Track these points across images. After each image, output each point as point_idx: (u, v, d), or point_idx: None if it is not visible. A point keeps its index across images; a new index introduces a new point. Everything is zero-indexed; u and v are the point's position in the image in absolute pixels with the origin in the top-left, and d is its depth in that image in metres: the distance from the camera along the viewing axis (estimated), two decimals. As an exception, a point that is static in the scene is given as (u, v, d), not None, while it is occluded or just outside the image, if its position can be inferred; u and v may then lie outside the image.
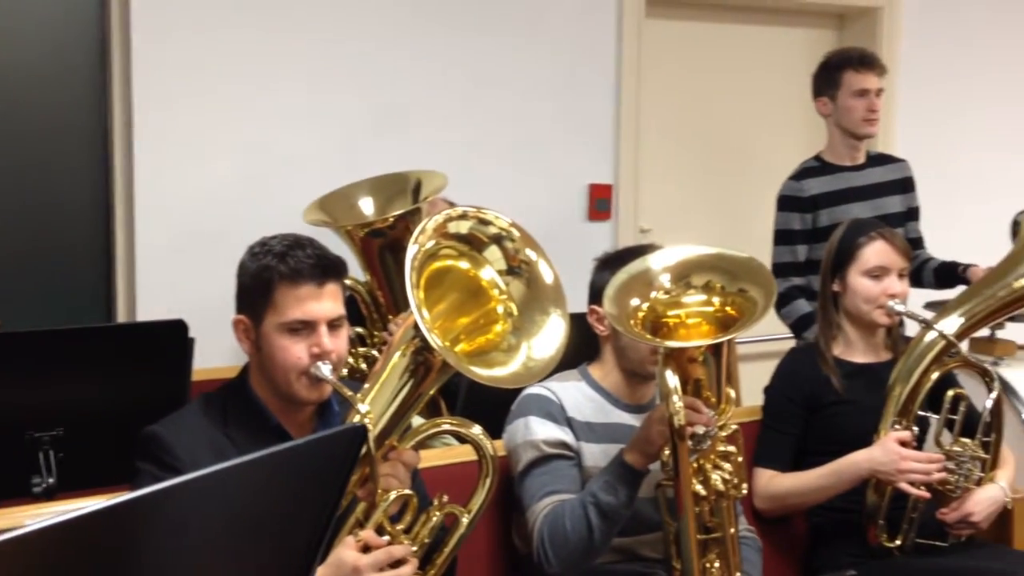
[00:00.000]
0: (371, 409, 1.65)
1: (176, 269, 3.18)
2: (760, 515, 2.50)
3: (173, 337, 2.34)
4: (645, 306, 2.01)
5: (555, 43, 3.61)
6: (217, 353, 2.72)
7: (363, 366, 2.83)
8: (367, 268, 2.84)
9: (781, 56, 4.06)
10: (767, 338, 3.70)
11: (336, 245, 2.32)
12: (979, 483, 2.43)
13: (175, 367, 2.37)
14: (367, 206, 2.97)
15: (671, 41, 3.89)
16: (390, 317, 2.80)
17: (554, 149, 3.63)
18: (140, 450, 1.71)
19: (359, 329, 2.87)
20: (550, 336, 1.75)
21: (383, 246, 2.79)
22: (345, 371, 2.48)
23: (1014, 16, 4.38)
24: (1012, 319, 3.37)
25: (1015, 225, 2.61)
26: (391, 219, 2.78)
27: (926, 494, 2.36)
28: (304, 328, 1.73)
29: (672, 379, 1.90)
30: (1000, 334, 3.46)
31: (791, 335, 3.24)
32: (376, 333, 2.88)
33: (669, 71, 3.90)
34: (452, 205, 2.48)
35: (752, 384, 2.99)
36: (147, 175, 3.17)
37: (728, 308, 1.98)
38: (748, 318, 1.95)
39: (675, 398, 1.88)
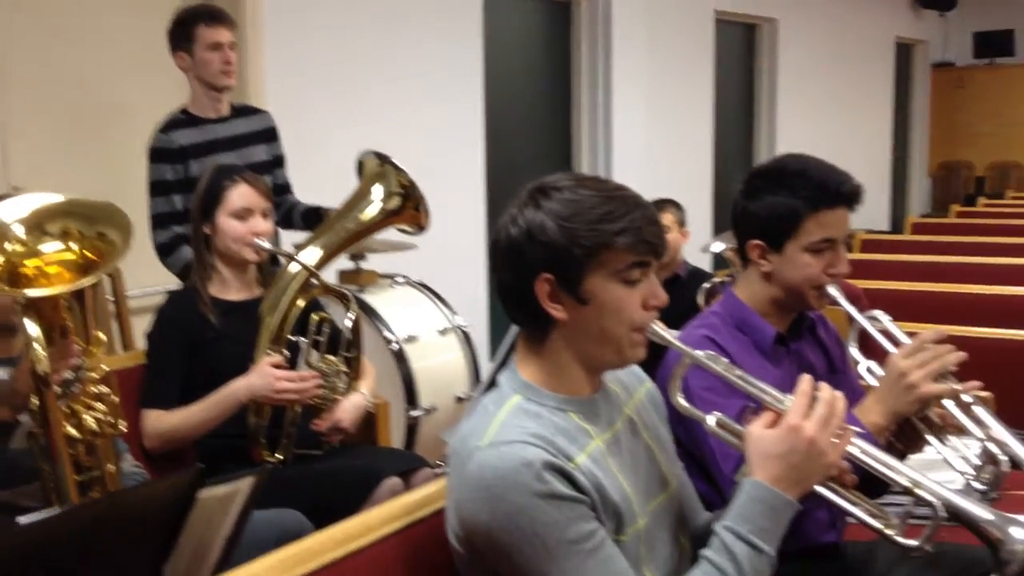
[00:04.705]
0: None
1: None
2: (150, 453, 2.59)
3: None
4: (0, 259, 1.97)
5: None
6: None
7: None
8: None
9: (141, 8, 4.05)
10: (159, 289, 3.74)
11: None
12: (346, 394, 2.75)
13: None
14: None
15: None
16: None
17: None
18: None
19: None
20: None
21: None
22: None
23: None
24: (372, 251, 3.83)
25: (360, 164, 2.95)
26: None
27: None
28: None
29: (33, 328, 1.90)
30: (364, 265, 3.89)
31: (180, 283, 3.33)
32: None
33: (30, 20, 3.72)
34: None
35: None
36: None
37: (88, 252, 2.01)
38: (109, 260, 2.00)
39: (36, 346, 1.89)
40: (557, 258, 1.48)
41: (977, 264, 4.97)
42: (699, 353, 1.61)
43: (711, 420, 1.61)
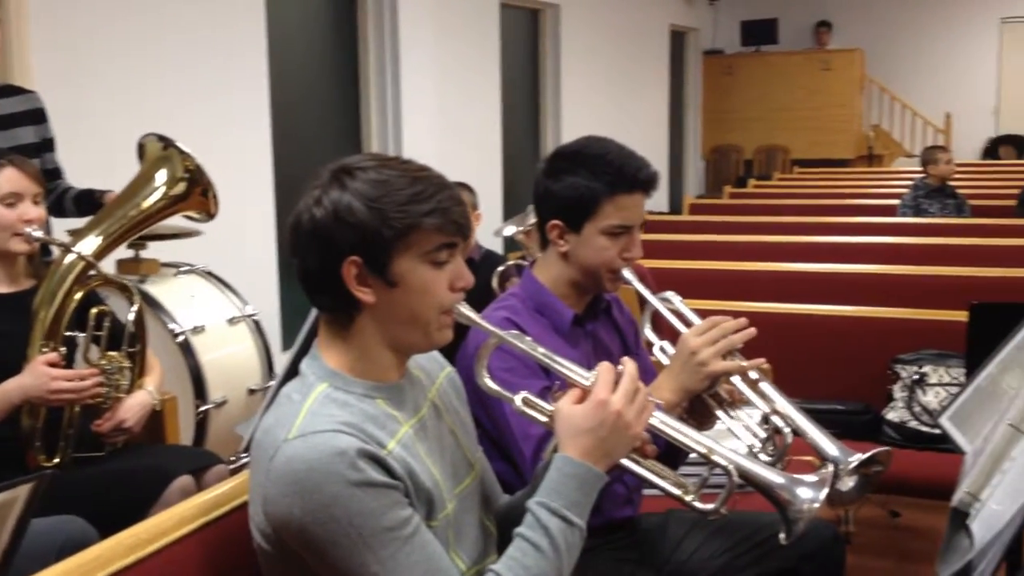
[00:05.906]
0: None
1: None
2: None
3: None
4: None
5: None
6: None
7: None
8: None
9: None
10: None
11: None
12: (130, 391, 2.60)
13: None
14: None
15: None
16: None
17: None
18: None
19: None
20: None
21: None
22: None
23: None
24: (153, 238, 3.64)
25: (141, 148, 2.79)
26: None
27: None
28: None
29: None
30: (144, 254, 3.69)
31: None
32: None
33: None
34: None
35: None
36: None
37: None
38: None
39: None
40: (366, 240, 1.45)
41: (751, 242, 5.27)
42: (506, 332, 1.61)
43: (518, 400, 1.61)
